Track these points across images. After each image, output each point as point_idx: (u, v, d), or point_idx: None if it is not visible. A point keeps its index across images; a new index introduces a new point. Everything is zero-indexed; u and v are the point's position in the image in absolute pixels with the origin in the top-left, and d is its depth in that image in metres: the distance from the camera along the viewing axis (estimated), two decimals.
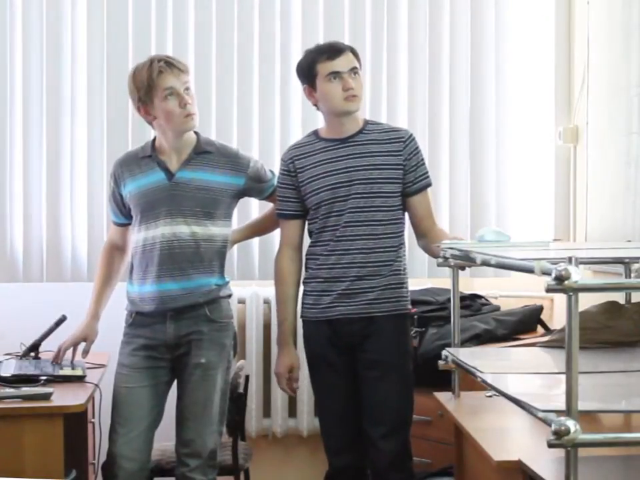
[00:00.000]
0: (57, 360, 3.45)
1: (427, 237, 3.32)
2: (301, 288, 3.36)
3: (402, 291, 3.28)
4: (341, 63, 3.21)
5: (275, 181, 3.45)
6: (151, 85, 3.22)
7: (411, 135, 3.32)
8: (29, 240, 4.26)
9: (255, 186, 3.41)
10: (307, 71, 3.26)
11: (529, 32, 4.48)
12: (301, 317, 3.34)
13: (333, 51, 3.23)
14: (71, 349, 3.45)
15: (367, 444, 3.25)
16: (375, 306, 3.23)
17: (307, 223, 3.35)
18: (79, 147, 4.29)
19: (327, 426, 3.34)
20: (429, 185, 3.34)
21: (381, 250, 3.24)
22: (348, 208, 3.23)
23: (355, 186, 3.23)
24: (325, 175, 3.26)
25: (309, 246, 3.33)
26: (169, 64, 3.24)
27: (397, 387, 3.23)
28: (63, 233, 4.28)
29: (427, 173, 3.32)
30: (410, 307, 3.34)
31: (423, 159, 3.33)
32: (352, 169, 3.24)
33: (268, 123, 4.36)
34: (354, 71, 3.23)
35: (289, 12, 4.35)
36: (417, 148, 3.31)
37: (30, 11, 4.24)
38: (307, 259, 3.34)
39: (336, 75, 3.20)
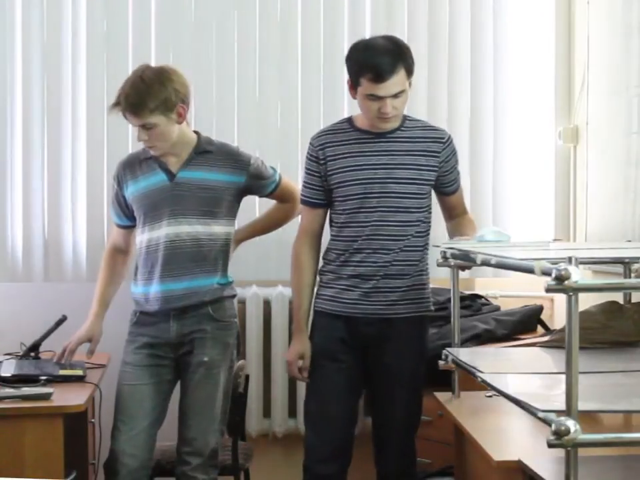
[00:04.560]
0: (61, 360, 3.43)
1: (455, 219, 3.34)
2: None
3: (424, 292, 3.24)
4: (385, 89, 3.01)
5: (277, 177, 3.45)
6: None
7: (450, 137, 3.24)
8: (29, 240, 4.26)
9: (257, 183, 3.42)
10: (351, 74, 3.08)
11: (529, 32, 4.47)
12: (315, 307, 3.25)
13: (380, 73, 2.99)
14: None
15: (376, 447, 3.22)
16: (396, 307, 3.17)
17: (329, 212, 3.23)
18: (79, 147, 4.29)
19: (317, 430, 3.19)
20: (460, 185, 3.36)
21: (410, 249, 3.17)
22: (381, 206, 3.13)
23: (391, 184, 3.12)
24: (358, 168, 3.13)
25: (332, 238, 3.23)
26: (126, 107, 3.23)
27: (409, 392, 3.20)
28: (63, 233, 4.28)
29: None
30: (432, 308, 3.29)
31: (458, 160, 3.30)
32: (390, 166, 3.13)
33: (269, 123, 4.35)
34: (397, 94, 3.04)
35: (289, 11, 4.35)
36: (455, 149, 3.25)
37: (30, 11, 4.23)
38: (327, 251, 3.23)
39: (376, 97, 3.04)
